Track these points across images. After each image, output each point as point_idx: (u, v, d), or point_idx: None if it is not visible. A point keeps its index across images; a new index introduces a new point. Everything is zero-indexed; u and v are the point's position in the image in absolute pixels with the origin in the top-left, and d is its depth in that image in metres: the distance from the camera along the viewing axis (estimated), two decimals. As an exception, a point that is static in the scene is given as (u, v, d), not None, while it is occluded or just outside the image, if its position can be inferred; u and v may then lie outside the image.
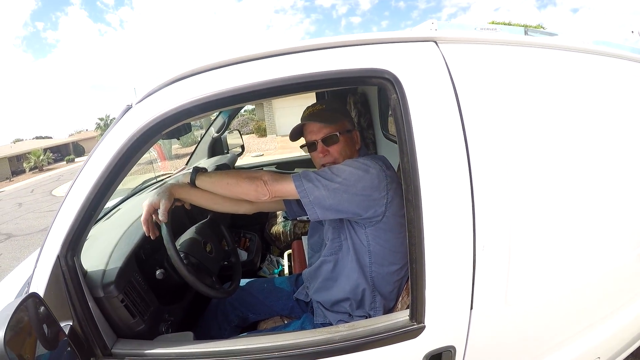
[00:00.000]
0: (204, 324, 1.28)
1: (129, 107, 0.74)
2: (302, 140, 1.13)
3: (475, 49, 0.79)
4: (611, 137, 0.91)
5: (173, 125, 0.70)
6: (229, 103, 0.70)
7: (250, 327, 1.32)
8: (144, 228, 0.99)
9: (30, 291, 0.78)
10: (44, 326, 0.75)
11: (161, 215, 0.96)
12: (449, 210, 0.73)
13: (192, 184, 1.02)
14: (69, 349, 0.79)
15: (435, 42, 0.76)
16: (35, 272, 0.81)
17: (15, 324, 0.70)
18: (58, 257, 0.76)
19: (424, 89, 0.72)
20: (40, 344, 0.72)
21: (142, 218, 0.98)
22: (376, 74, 0.70)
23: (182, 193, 1.03)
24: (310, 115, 1.08)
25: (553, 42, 0.90)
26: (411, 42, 0.75)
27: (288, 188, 0.93)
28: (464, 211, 0.74)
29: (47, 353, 0.72)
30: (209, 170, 1.09)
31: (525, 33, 1.14)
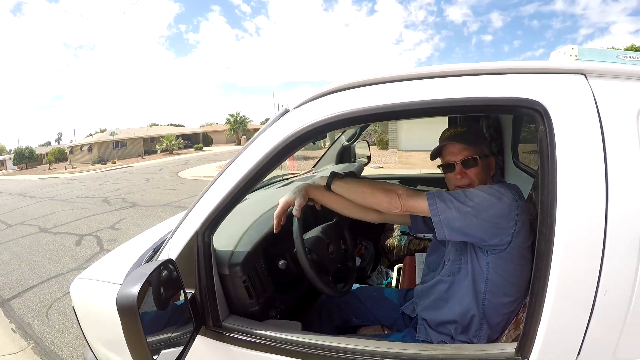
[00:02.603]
0: (306, 317, 1.33)
1: (286, 110, 0.81)
2: (438, 161, 1.12)
3: (626, 85, 0.75)
4: None
5: (324, 132, 0.76)
6: (376, 119, 0.75)
7: (350, 330, 1.35)
8: (274, 221, 1.06)
9: (167, 257, 0.88)
10: (163, 288, 0.81)
11: (295, 211, 1.04)
12: (580, 249, 0.71)
13: (328, 187, 1.09)
14: (187, 315, 0.88)
15: (585, 75, 0.74)
16: (171, 241, 0.92)
17: (158, 281, 0.78)
18: (197, 232, 0.85)
19: (571, 123, 0.70)
20: (154, 303, 0.78)
21: (277, 212, 1.06)
22: (526, 104, 0.70)
23: (316, 194, 1.10)
24: (451, 136, 1.08)
25: None
26: (560, 73, 0.74)
27: (421, 205, 0.94)
28: (594, 252, 0.71)
29: (154, 311, 0.79)
30: None
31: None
